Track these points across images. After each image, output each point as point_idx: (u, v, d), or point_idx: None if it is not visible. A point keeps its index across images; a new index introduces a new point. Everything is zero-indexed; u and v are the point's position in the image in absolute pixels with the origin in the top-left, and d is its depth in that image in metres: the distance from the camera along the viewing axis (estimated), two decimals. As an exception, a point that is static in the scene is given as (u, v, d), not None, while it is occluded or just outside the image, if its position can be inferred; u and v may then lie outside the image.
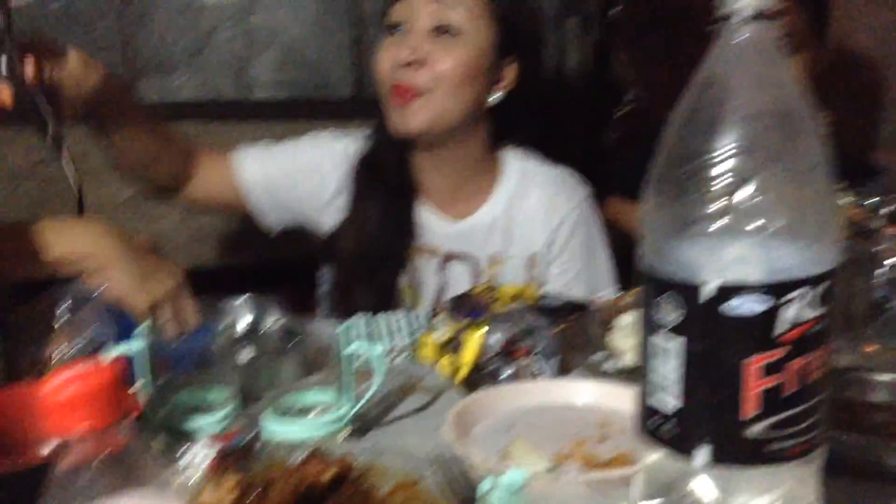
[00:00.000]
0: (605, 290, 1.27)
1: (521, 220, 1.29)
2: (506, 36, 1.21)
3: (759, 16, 0.53)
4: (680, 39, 2.16)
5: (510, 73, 1.24)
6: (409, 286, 1.32)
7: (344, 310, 1.26)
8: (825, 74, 1.69)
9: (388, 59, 1.20)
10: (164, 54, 2.03)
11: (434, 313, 1.11)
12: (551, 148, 1.53)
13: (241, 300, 1.26)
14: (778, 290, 0.52)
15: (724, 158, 0.52)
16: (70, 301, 0.90)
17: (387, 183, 1.29)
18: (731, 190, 0.52)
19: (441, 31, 1.17)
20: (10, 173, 1.92)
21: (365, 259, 1.29)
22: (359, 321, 1.21)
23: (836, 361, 1.03)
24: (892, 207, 1.16)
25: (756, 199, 0.52)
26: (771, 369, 0.53)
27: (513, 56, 1.24)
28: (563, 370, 1.04)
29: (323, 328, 0.92)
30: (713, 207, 0.53)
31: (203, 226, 2.09)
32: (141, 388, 0.86)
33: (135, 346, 0.86)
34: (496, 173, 1.31)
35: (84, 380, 0.43)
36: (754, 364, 0.53)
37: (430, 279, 1.30)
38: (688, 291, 0.54)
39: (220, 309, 1.24)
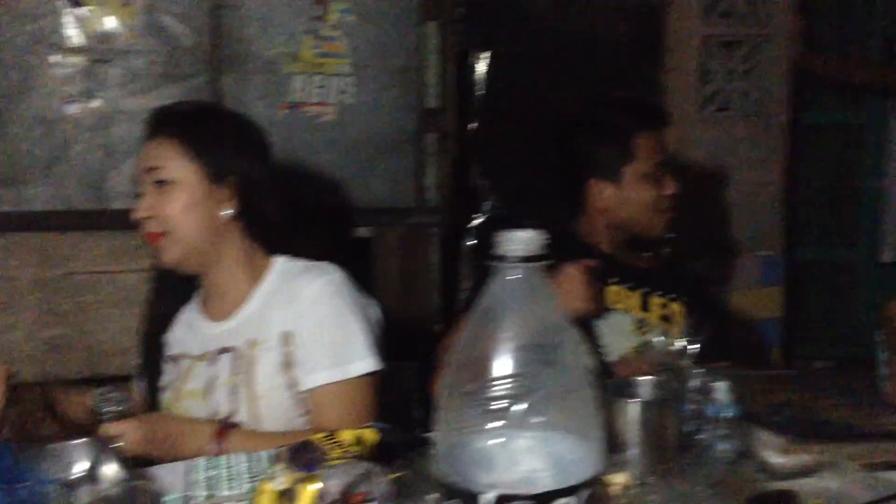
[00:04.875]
0: (359, 361, 1.40)
1: (275, 306, 1.45)
2: (212, 168, 1.41)
3: (528, 258, 0.61)
4: (533, 152, 2.31)
5: (232, 191, 1.43)
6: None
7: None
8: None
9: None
10: (18, 164, 1.99)
11: (275, 459, 1.13)
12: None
13: (79, 443, 1.23)
14: (546, 498, 0.59)
15: (499, 383, 0.59)
16: None
17: (174, 295, 1.52)
18: (504, 410, 0.59)
19: (159, 185, 1.41)
20: None
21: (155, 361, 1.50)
22: (200, 465, 1.21)
23: (650, 500, 1.12)
24: (698, 346, 1.28)
25: (526, 419, 0.59)
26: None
27: (229, 177, 1.43)
28: (401, 513, 1.08)
29: (163, 474, 0.93)
30: (489, 425, 0.60)
31: (52, 338, 2.03)
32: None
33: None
34: (259, 277, 1.49)
35: None
36: (528, 567, 0.59)
37: (202, 375, 1.45)
38: (469, 500, 0.60)
39: (57, 452, 1.21)
